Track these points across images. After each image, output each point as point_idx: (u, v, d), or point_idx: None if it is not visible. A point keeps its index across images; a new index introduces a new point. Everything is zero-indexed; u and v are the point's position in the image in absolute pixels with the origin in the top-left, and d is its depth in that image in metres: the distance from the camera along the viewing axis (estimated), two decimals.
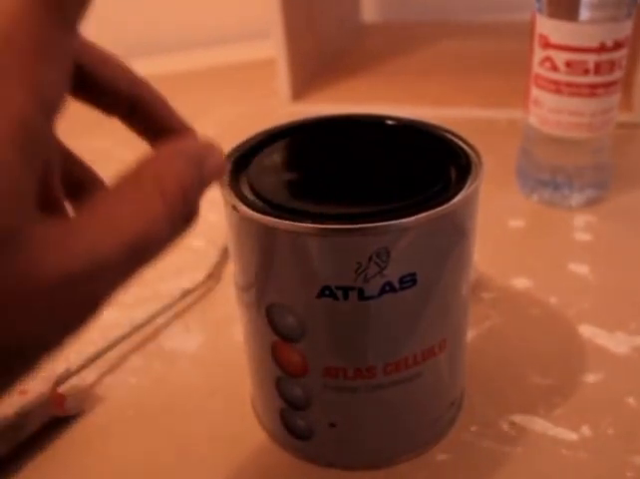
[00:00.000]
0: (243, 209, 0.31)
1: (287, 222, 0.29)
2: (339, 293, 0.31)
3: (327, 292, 0.31)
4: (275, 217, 0.30)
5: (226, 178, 0.33)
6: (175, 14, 1.10)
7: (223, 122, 0.80)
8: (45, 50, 0.18)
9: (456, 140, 0.36)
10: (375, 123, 0.38)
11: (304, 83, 0.86)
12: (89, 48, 0.24)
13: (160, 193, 0.21)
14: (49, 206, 0.21)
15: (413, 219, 0.29)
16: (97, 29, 1.17)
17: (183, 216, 0.22)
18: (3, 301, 0.18)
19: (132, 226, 0.20)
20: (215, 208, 0.34)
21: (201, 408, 0.42)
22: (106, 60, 0.26)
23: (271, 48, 0.80)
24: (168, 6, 1.10)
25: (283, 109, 0.82)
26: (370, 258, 0.29)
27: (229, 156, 0.35)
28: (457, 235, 0.32)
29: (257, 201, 0.31)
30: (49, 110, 0.19)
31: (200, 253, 0.57)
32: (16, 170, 0.18)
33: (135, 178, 0.21)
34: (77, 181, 0.26)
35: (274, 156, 0.35)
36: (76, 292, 0.19)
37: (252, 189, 0.32)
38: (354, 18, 1.09)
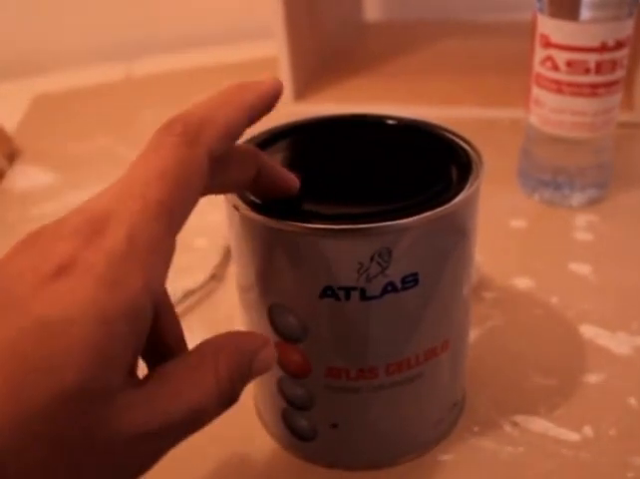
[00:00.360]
0: (244, 209, 0.31)
1: (288, 222, 0.29)
2: (341, 294, 0.31)
3: (329, 293, 0.31)
4: (276, 217, 0.30)
5: None
6: (177, 13, 1.10)
7: None
8: (158, 249, 0.23)
9: (457, 139, 0.36)
10: (376, 123, 0.38)
11: (306, 82, 0.86)
12: None
13: (214, 375, 0.25)
14: (132, 372, 0.25)
15: (414, 219, 0.29)
16: (99, 29, 1.18)
17: (229, 397, 0.26)
18: (92, 447, 0.22)
19: (192, 397, 0.24)
20: (217, 208, 0.34)
21: None
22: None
23: (273, 47, 0.80)
24: (170, 5, 1.10)
25: (285, 108, 0.82)
26: (372, 259, 0.29)
27: None
28: (458, 234, 0.32)
29: (258, 201, 0.31)
30: (154, 294, 0.23)
31: (203, 254, 0.57)
32: (125, 340, 0.22)
33: (198, 358, 0.26)
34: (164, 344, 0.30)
35: (276, 156, 0.35)
36: (148, 447, 0.24)
37: None
38: (356, 17, 1.09)
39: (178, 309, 0.50)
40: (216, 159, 0.26)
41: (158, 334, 0.29)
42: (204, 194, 0.27)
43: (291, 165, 0.35)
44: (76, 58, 1.09)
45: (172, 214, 0.24)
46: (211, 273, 0.53)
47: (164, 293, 0.30)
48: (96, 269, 0.22)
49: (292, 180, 0.31)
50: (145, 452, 0.24)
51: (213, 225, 0.59)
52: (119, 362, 0.22)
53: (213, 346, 0.26)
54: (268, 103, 0.29)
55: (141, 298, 0.22)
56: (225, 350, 0.26)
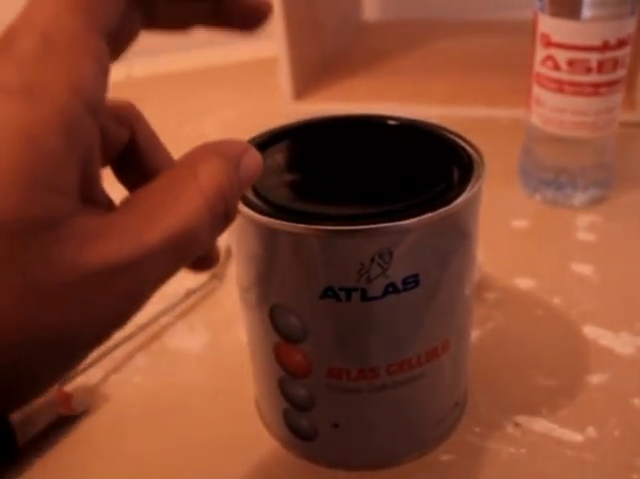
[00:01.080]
0: (245, 210, 0.31)
1: (289, 223, 0.29)
2: (342, 294, 0.31)
3: (330, 293, 0.31)
4: (277, 218, 0.30)
5: None
6: None
7: (225, 121, 0.80)
8: (79, 47, 0.20)
9: (458, 140, 0.35)
10: (377, 123, 0.38)
11: (306, 82, 0.86)
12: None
13: (199, 188, 0.22)
14: (92, 199, 0.22)
15: (415, 220, 0.29)
16: None
17: (222, 212, 0.22)
18: (44, 289, 0.18)
19: (174, 218, 0.21)
20: None
21: (205, 408, 0.42)
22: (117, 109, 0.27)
23: (273, 47, 0.80)
24: None
25: (285, 108, 0.82)
26: (372, 259, 0.29)
27: None
28: (459, 235, 0.32)
29: (259, 202, 0.31)
30: (88, 102, 0.20)
31: None
32: (60, 156, 0.19)
33: (173, 175, 0.22)
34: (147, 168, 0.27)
35: (276, 156, 0.35)
36: (120, 283, 0.20)
37: (254, 190, 0.32)
38: (355, 17, 1.09)
39: (180, 309, 0.50)
40: None
41: (136, 159, 0.27)
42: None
43: (292, 165, 0.35)
44: None
45: (90, 6, 0.20)
46: (212, 273, 0.53)
47: (128, 108, 0.27)
48: (7, 82, 0.19)
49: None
50: (117, 290, 0.20)
51: None
52: (58, 182, 0.19)
53: (190, 158, 0.23)
54: None
55: (68, 102, 0.19)
56: (205, 159, 0.23)
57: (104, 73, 0.21)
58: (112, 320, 0.21)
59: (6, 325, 0.18)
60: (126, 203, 0.21)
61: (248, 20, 0.26)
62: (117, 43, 0.22)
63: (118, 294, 0.20)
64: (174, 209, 0.21)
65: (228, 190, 0.23)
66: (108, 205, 0.24)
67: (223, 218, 0.23)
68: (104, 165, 0.26)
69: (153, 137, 0.28)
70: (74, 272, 0.19)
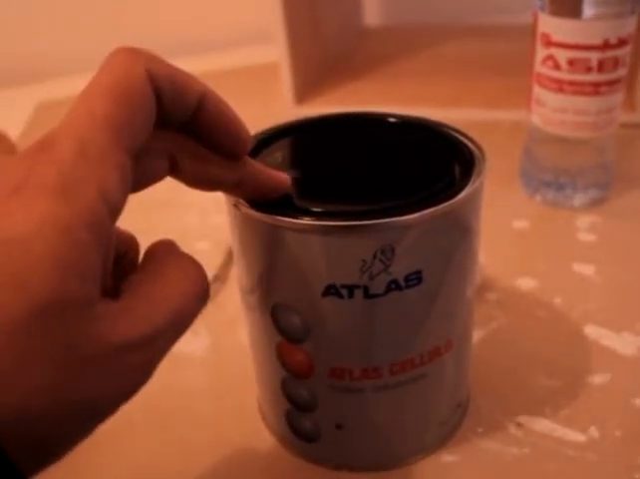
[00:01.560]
0: (245, 207, 0.31)
1: (290, 219, 0.29)
2: (344, 292, 0.30)
3: (332, 291, 0.31)
4: (278, 214, 0.29)
5: None
6: (177, 19, 1.11)
7: None
8: (107, 160, 0.23)
9: (459, 136, 0.35)
10: (378, 120, 0.38)
11: (307, 87, 0.86)
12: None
13: (186, 277, 0.26)
14: (104, 288, 0.24)
15: (417, 215, 0.29)
16: (100, 36, 1.18)
17: (204, 291, 0.27)
18: (82, 361, 0.21)
19: (172, 302, 0.25)
20: (220, 209, 0.34)
21: (208, 411, 0.42)
22: None
23: (274, 52, 0.80)
24: (171, 11, 1.10)
25: (286, 112, 0.82)
26: (375, 256, 0.29)
27: None
28: (461, 231, 0.32)
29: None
30: (111, 206, 0.23)
31: (205, 256, 0.56)
32: (91, 249, 0.22)
33: (162, 269, 0.26)
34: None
35: (277, 154, 0.35)
36: (136, 357, 0.23)
37: None
38: (356, 21, 1.09)
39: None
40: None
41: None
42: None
43: (293, 162, 0.35)
44: (78, 65, 1.09)
45: (119, 126, 0.23)
46: (214, 275, 0.53)
47: (130, 239, 0.31)
48: (48, 181, 0.21)
49: (281, 178, 0.31)
50: (134, 364, 0.23)
51: (216, 227, 0.59)
52: (88, 272, 0.21)
53: (162, 248, 0.27)
54: None
55: (97, 205, 0.22)
56: (174, 249, 0.28)
57: (125, 184, 0.24)
58: (126, 390, 0.24)
59: (43, 395, 0.21)
60: (131, 288, 0.25)
61: (266, 194, 0.30)
62: (138, 174, 0.25)
63: (133, 368, 0.23)
64: (172, 294, 0.25)
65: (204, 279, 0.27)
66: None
67: (204, 297, 0.27)
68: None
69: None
70: (102, 347, 0.22)
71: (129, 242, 0.31)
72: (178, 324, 0.25)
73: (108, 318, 0.22)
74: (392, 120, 0.38)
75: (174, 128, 0.27)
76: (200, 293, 0.26)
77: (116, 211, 0.23)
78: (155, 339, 0.24)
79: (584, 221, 0.58)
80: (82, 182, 0.22)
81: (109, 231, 0.23)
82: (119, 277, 0.29)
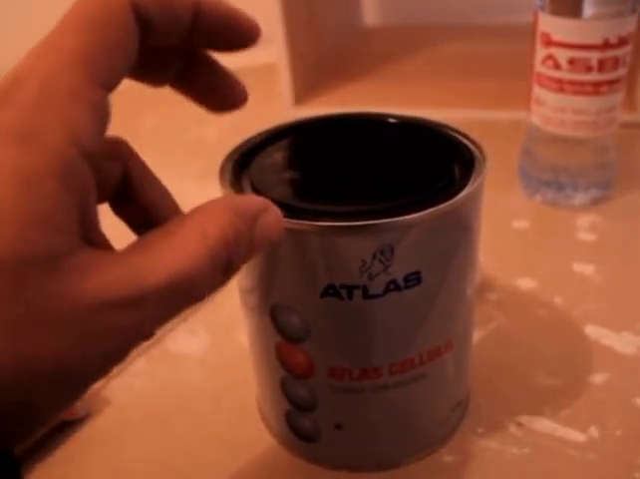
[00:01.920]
0: None
1: (289, 220, 0.29)
2: (343, 292, 0.30)
3: (331, 291, 0.31)
4: None
5: (228, 177, 0.33)
6: None
7: (226, 126, 0.80)
8: (78, 98, 0.21)
9: (458, 136, 0.35)
10: (378, 121, 0.38)
11: (306, 87, 0.86)
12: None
13: (204, 237, 0.22)
14: (92, 241, 0.23)
15: (416, 215, 0.29)
16: None
17: (223, 263, 0.23)
18: (38, 321, 0.19)
19: (175, 262, 0.22)
20: None
21: (208, 411, 0.42)
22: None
23: (273, 53, 0.80)
24: None
25: (286, 113, 0.82)
26: (374, 256, 0.29)
27: (231, 155, 0.35)
28: (461, 232, 0.32)
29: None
30: (83, 148, 0.21)
31: None
32: (56, 197, 0.20)
33: (182, 222, 0.23)
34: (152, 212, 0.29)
35: (276, 155, 0.35)
36: (118, 319, 0.21)
37: (254, 188, 0.32)
38: (355, 22, 1.09)
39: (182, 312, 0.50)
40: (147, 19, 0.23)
41: (131, 194, 0.28)
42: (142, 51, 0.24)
43: (292, 163, 0.35)
44: None
45: (91, 60, 0.22)
46: None
47: (120, 145, 0.29)
48: (8, 126, 0.20)
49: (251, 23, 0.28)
50: (120, 326, 0.21)
51: None
52: (54, 222, 0.20)
53: (202, 209, 0.24)
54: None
55: (63, 148, 0.20)
56: (216, 212, 0.24)
57: (101, 122, 0.22)
58: (111, 355, 0.21)
59: (6, 359, 0.19)
60: (131, 244, 0.22)
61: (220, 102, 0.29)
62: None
63: (116, 330, 0.21)
64: (176, 254, 0.22)
65: (233, 243, 0.23)
66: (107, 248, 0.25)
67: (223, 270, 0.23)
68: (101, 202, 0.28)
69: (145, 170, 0.29)
70: (71, 304, 0.20)
71: (120, 154, 0.28)
72: (179, 292, 0.22)
73: (85, 272, 0.20)
74: (391, 120, 0.38)
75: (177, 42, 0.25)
76: (219, 261, 0.23)
77: (90, 150, 0.22)
78: (143, 301, 0.21)
79: (584, 220, 0.58)
80: (46, 125, 0.20)
81: (82, 175, 0.21)
82: (128, 217, 0.28)
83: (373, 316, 0.31)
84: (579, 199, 0.60)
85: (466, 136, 0.35)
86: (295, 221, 0.29)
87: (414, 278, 0.31)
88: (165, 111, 0.84)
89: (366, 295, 0.30)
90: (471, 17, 1.13)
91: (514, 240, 0.57)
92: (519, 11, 0.90)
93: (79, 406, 0.41)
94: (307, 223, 0.29)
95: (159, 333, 0.48)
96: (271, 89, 0.87)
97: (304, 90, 0.85)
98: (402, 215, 0.29)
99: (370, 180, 0.33)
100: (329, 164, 0.35)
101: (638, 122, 0.72)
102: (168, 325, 0.49)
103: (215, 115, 0.29)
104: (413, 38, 1.06)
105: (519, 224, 0.59)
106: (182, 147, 0.78)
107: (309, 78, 0.87)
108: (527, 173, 0.62)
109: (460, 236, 0.32)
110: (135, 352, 0.46)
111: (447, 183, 0.31)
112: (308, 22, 0.86)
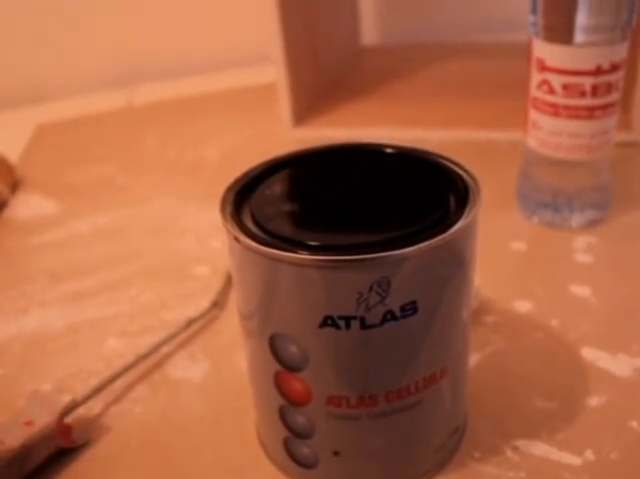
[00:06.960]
0: (245, 240, 0.31)
1: (288, 253, 0.30)
2: (341, 323, 0.31)
3: (329, 322, 0.31)
4: (276, 248, 0.30)
5: (229, 209, 0.33)
6: (177, 41, 1.11)
7: (226, 147, 0.81)
8: None
9: (454, 167, 0.36)
10: (373, 151, 0.39)
11: (305, 107, 0.87)
12: None
13: None
14: None
15: (412, 249, 0.29)
16: (100, 58, 1.19)
17: None
18: None
19: None
20: (219, 235, 0.34)
21: (207, 437, 0.42)
22: None
23: (272, 73, 0.81)
24: (170, 33, 1.11)
25: (285, 133, 0.82)
26: (371, 288, 0.30)
27: (232, 186, 0.35)
28: (456, 262, 0.32)
29: (259, 232, 0.32)
30: None
31: (204, 281, 0.57)
32: None
33: None
34: None
35: (275, 186, 0.36)
36: None
37: (254, 220, 0.33)
38: (354, 42, 1.10)
39: (181, 337, 0.50)
40: None
41: None
42: None
43: (290, 195, 0.36)
44: (77, 87, 1.10)
45: None
46: (213, 301, 0.54)
47: None
48: None
49: None
50: None
51: (215, 251, 0.59)
52: None
53: None
54: None
55: None
56: None
57: None
58: None
59: None
60: None
61: None
62: None
63: None
64: None
65: None
66: None
67: None
68: None
69: None
70: None
71: None
72: None
73: None
74: (387, 150, 0.38)
75: None
76: None
77: None
78: None
79: (581, 242, 0.59)
80: None
81: None
82: None
83: (370, 346, 0.32)
84: (576, 220, 0.60)
85: (461, 166, 0.36)
86: (294, 254, 0.30)
87: (410, 308, 0.31)
88: (163, 131, 0.84)
89: (363, 326, 0.31)
90: (469, 36, 1.14)
91: (512, 262, 0.57)
92: (518, 28, 0.91)
93: (77, 434, 0.42)
94: (306, 257, 0.29)
95: (158, 359, 0.49)
96: (271, 109, 0.88)
97: (304, 110, 0.86)
98: (398, 248, 0.29)
99: (367, 210, 0.34)
100: (327, 195, 0.35)
101: (634, 141, 0.73)
102: (168, 351, 0.50)
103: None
104: (412, 57, 1.06)
105: (517, 245, 0.59)
106: (181, 168, 0.78)
107: (309, 98, 0.88)
108: (525, 194, 0.63)
109: (455, 266, 0.32)
110: (133, 378, 0.47)
111: (442, 215, 0.32)
112: (308, 43, 0.87)
